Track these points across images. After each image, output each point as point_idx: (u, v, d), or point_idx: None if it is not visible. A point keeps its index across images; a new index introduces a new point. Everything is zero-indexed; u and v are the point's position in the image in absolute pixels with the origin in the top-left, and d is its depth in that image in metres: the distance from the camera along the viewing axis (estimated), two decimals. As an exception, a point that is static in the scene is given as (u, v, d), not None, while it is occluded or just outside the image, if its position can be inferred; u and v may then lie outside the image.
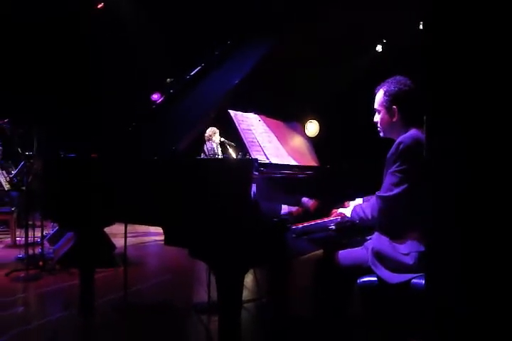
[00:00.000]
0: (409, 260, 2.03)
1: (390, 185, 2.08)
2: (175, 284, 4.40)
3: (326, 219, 2.34)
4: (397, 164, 2.07)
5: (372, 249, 2.13)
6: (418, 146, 2.04)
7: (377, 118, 2.32)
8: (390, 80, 2.27)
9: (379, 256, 2.10)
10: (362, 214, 2.19)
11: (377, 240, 2.16)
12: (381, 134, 2.35)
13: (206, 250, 2.09)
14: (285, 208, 2.32)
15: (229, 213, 2.02)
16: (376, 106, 2.31)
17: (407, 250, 2.05)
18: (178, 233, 2.17)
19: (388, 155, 2.14)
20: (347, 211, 2.34)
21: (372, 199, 2.19)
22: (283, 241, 1.99)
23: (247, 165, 2.06)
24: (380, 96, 2.28)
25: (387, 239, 2.12)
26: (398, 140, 2.11)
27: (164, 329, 3.15)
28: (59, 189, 2.88)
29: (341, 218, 2.35)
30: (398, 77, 2.26)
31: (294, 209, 2.35)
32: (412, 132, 2.16)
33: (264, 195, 2.10)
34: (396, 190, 2.05)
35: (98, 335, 3.05)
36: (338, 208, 2.43)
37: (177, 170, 2.22)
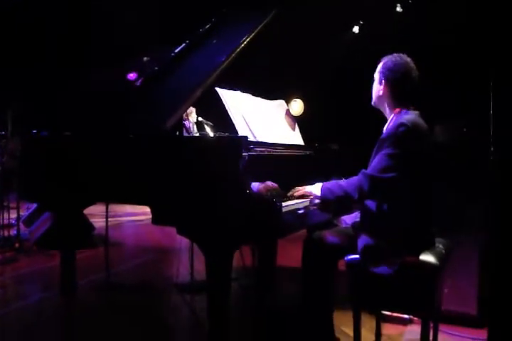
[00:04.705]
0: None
1: (381, 167, 2.03)
2: (156, 264, 4.40)
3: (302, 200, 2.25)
4: (391, 148, 2.02)
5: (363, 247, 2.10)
6: (416, 132, 2.04)
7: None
8: (395, 55, 2.22)
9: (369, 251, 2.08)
10: (340, 193, 2.10)
11: (364, 239, 2.11)
12: (372, 102, 2.32)
13: (195, 227, 2.07)
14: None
15: (218, 190, 2.00)
16: (375, 73, 2.28)
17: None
18: (166, 212, 2.15)
19: (384, 135, 2.10)
20: (315, 189, 2.21)
21: (357, 178, 2.10)
22: (271, 218, 1.98)
23: (237, 142, 2.04)
24: (379, 66, 2.26)
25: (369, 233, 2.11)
26: (400, 121, 2.06)
27: (147, 308, 3.15)
28: (37, 169, 2.81)
29: (310, 200, 2.25)
30: (403, 56, 2.21)
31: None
32: (413, 116, 2.12)
33: (251, 172, 2.08)
34: (388, 175, 2.01)
35: (80, 315, 3.02)
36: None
37: (165, 148, 2.19)
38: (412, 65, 2.20)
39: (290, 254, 3.22)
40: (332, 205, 2.26)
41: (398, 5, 6.39)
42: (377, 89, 2.26)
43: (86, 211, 4.00)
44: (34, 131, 2.82)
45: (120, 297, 3.36)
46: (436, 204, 2.21)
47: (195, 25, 2.98)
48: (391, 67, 2.20)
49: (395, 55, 2.23)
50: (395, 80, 2.20)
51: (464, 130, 3.04)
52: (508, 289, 1.26)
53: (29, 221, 5.12)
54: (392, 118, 2.21)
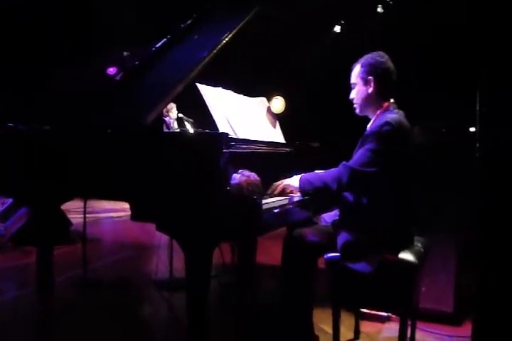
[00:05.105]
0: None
1: (362, 162, 2.04)
2: (135, 261, 4.36)
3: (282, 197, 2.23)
4: (375, 143, 2.03)
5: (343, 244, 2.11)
6: (401, 132, 2.07)
7: (353, 94, 2.28)
8: (367, 55, 2.25)
9: (349, 248, 2.09)
10: (319, 184, 2.10)
11: (344, 236, 2.12)
12: (357, 111, 2.30)
13: (175, 224, 2.05)
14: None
15: (198, 186, 1.98)
16: (352, 79, 2.27)
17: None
18: (146, 208, 2.12)
19: (368, 132, 2.11)
20: (293, 181, 2.21)
21: (337, 169, 2.10)
22: (251, 216, 1.97)
23: (218, 139, 2.02)
24: (356, 69, 2.25)
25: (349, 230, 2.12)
26: (385, 120, 2.06)
27: (125, 305, 3.12)
28: (14, 163, 2.75)
29: (289, 198, 2.23)
30: (375, 52, 2.24)
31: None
32: (398, 116, 2.13)
33: (231, 170, 2.07)
34: (369, 169, 2.02)
35: (58, 312, 2.98)
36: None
37: (145, 143, 2.16)
38: (386, 56, 2.24)
39: (270, 252, 3.22)
40: (311, 201, 2.27)
41: (379, 6, 6.50)
42: (363, 89, 2.23)
43: (63, 207, 3.96)
44: (10, 125, 2.76)
45: (98, 294, 3.32)
46: (415, 204, 2.23)
47: (179, 22, 2.95)
48: (373, 62, 2.22)
49: (367, 55, 2.25)
50: (382, 73, 2.20)
51: (443, 130, 3.08)
52: (496, 284, 1.29)
53: (4, 216, 5.02)
54: (377, 116, 2.21)
